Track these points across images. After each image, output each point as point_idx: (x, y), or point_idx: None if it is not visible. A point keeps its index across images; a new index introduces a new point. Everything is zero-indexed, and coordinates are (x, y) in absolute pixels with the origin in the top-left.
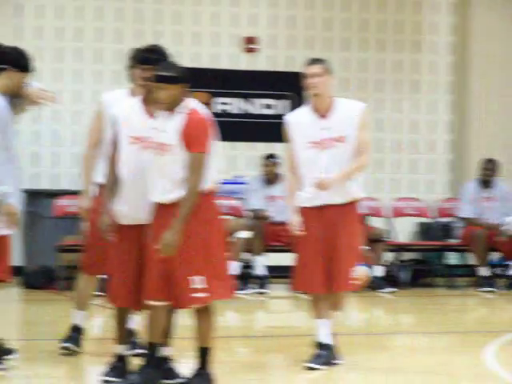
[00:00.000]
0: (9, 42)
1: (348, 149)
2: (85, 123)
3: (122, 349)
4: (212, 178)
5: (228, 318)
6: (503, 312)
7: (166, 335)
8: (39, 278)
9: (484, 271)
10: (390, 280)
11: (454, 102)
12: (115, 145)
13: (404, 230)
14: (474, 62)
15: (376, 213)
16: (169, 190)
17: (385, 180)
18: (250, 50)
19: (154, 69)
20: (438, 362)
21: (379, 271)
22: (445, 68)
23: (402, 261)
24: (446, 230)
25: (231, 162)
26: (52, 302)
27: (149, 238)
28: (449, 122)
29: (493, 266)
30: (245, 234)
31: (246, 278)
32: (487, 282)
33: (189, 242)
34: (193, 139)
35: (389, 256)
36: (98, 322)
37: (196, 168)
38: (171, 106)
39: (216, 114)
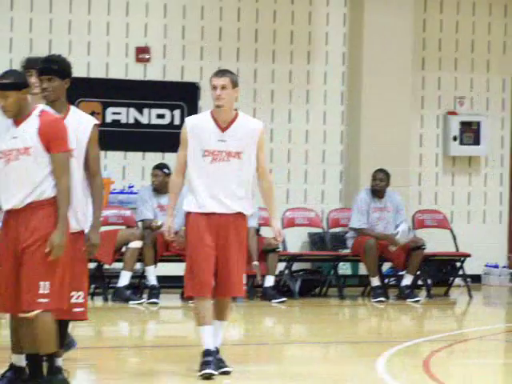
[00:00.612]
0: None
1: (241, 165)
2: None
3: (15, 358)
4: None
5: (120, 327)
6: (395, 322)
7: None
8: None
9: (375, 281)
10: (281, 290)
11: (344, 112)
12: None
13: (296, 241)
14: (365, 72)
15: (268, 223)
16: (27, 194)
17: (276, 190)
18: (142, 60)
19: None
20: (331, 371)
21: (271, 281)
22: (336, 78)
23: (293, 271)
24: (337, 240)
25: (123, 172)
26: None
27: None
28: (339, 132)
29: (385, 276)
30: (136, 244)
31: (137, 287)
32: (379, 292)
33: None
34: (52, 140)
35: (281, 266)
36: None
37: (61, 168)
38: (17, 113)
39: (107, 124)
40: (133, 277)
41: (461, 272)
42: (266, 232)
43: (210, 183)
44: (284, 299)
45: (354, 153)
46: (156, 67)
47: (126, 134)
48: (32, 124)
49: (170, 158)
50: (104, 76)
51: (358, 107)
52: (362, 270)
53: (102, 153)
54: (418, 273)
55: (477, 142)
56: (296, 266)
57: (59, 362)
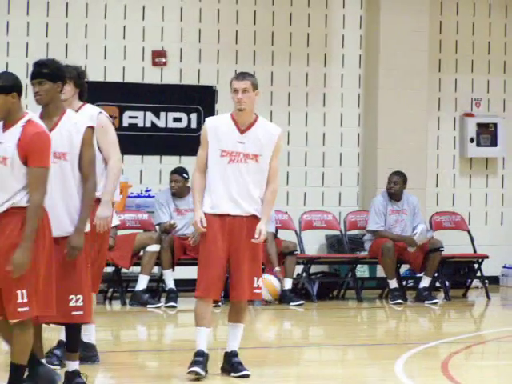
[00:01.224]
0: None
1: (257, 168)
2: None
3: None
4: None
5: (138, 331)
6: (412, 324)
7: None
8: None
9: (393, 283)
10: (299, 293)
11: (361, 115)
12: None
13: (313, 243)
14: (382, 74)
15: (285, 226)
16: (4, 200)
17: (293, 193)
18: (159, 64)
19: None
20: (348, 374)
21: (288, 284)
22: (352, 80)
23: (311, 274)
24: (355, 243)
25: (140, 176)
26: None
27: None
28: (356, 135)
29: (402, 278)
30: (154, 248)
31: (155, 291)
32: (397, 294)
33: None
34: (30, 154)
35: (298, 269)
36: None
37: (36, 183)
38: (5, 116)
39: (124, 128)
40: (150, 280)
41: (478, 274)
42: (283, 235)
43: (226, 183)
44: (302, 302)
45: (371, 155)
46: (172, 71)
47: (142, 137)
48: (15, 134)
49: (187, 162)
50: (121, 80)
51: (374, 109)
52: (380, 272)
53: None
54: (436, 275)
55: (494, 143)
56: (314, 269)
57: (75, 365)
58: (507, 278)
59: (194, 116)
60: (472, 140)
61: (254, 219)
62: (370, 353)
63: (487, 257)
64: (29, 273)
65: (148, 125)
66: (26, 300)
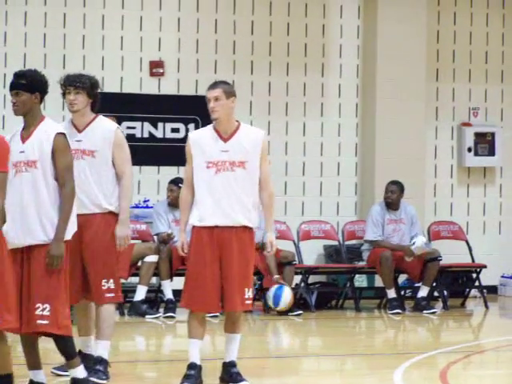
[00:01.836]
0: None
1: (245, 174)
2: None
3: (31, 374)
4: None
5: (136, 342)
6: (411, 334)
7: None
8: None
9: (392, 293)
10: (297, 303)
11: (359, 124)
12: None
13: (311, 253)
14: (379, 84)
15: (283, 236)
16: None
17: (291, 203)
18: (156, 74)
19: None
20: None
21: None
22: (350, 90)
23: (309, 284)
24: (353, 253)
25: (138, 186)
26: None
27: None
28: (354, 144)
29: (400, 288)
30: (152, 258)
31: (154, 302)
32: (395, 304)
33: None
34: None
35: (297, 279)
36: None
37: None
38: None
39: None
40: (149, 291)
41: (477, 283)
42: (281, 245)
43: (215, 195)
44: (300, 312)
45: (368, 165)
46: (170, 81)
47: (140, 148)
48: None
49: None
50: (118, 90)
51: (372, 119)
52: (378, 282)
53: None
54: (434, 284)
55: (491, 152)
56: (312, 279)
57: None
58: (505, 287)
59: (191, 126)
60: (470, 149)
61: (245, 229)
62: (369, 363)
63: (485, 266)
64: None
65: (146, 135)
66: None
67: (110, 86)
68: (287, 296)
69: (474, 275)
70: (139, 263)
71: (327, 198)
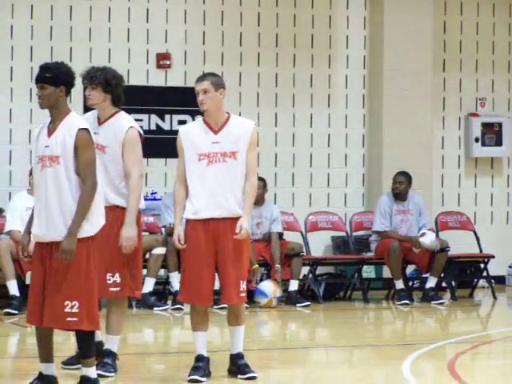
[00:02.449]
0: None
1: (237, 165)
2: None
3: (43, 367)
4: None
5: (144, 334)
6: (419, 325)
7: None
8: None
9: (400, 284)
10: (305, 294)
11: (366, 115)
12: None
13: (319, 244)
14: (386, 75)
15: (291, 227)
16: None
17: (299, 194)
18: (163, 66)
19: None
20: (356, 375)
21: (295, 285)
22: (357, 81)
23: (317, 275)
24: (361, 244)
25: (145, 179)
26: None
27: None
28: (361, 135)
29: (408, 278)
30: (160, 251)
31: (162, 294)
32: (403, 294)
33: None
34: None
35: (304, 270)
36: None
37: None
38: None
39: None
40: (157, 283)
41: (485, 273)
42: (289, 236)
43: (208, 187)
44: (308, 303)
45: (376, 156)
46: (177, 73)
47: (147, 140)
48: None
49: None
50: (125, 83)
51: (379, 110)
52: (386, 272)
53: None
54: (442, 275)
55: (499, 143)
56: (320, 270)
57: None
58: None
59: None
60: (477, 140)
61: (238, 220)
62: (377, 354)
63: (493, 256)
64: None
65: (153, 127)
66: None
67: None
68: (268, 288)
69: (482, 265)
70: (147, 255)
71: (335, 190)
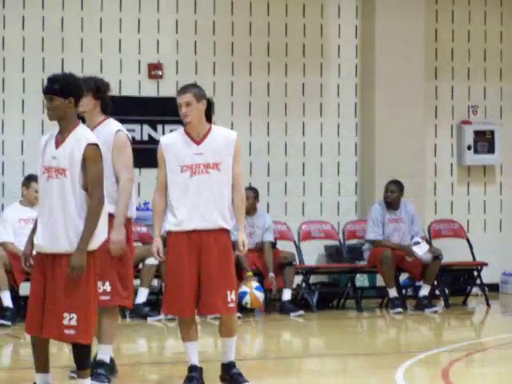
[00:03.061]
0: None
1: (220, 176)
2: None
3: (38, 377)
4: None
5: (138, 344)
6: (413, 333)
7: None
8: None
9: (393, 292)
10: (299, 303)
11: (358, 124)
12: None
13: (312, 253)
14: (378, 83)
15: (284, 236)
16: None
17: (291, 203)
18: (155, 77)
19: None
20: None
21: (288, 295)
22: (349, 90)
23: (310, 284)
24: (354, 253)
25: (138, 189)
26: None
27: None
28: (354, 144)
29: (402, 287)
30: (153, 261)
31: (155, 304)
32: (396, 303)
33: None
34: None
35: (298, 279)
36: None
37: None
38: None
39: None
40: (150, 293)
41: (478, 281)
42: (282, 245)
43: (191, 199)
44: (302, 312)
45: (368, 164)
46: (169, 83)
47: (140, 150)
48: None
49: None
50: (117, 93)
51: (371, 119)
52: (380, 281)
53: None
54: (436, 283)
55: (491, 150)
56: (313, 279)
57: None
58: (506, 285)
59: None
60: (469, 147)
61: (222, 232)
62: (371, 362)
63: (486, 264)
64: None
65: (145, 138)
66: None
67: None
68: (243, 288)
69: (476, 273)
70: (140, 266)
71: (327, 198)
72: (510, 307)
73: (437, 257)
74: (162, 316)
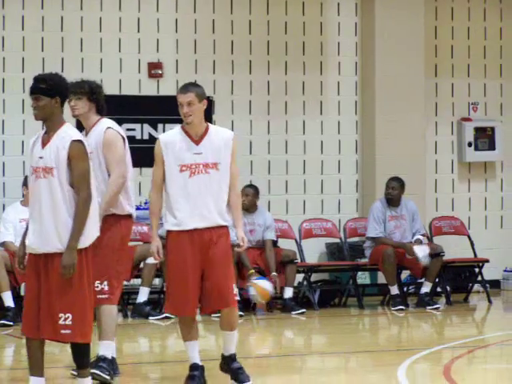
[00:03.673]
0: None
1: (219, 176)
2: None
3: (32, 381)
4: None
5: (140, 343)
6: (415, 330)
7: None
8: None
9: (395, 290)
10: (300, 301)
11: (358, 122)
12: None
13: (313, 251)
14: (378, 81)
15: (285, 235)
16: None
17: (292, 201)
18: (155, 76)
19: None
20: (352, 381)
21: (290, 293)
22: (349, 87)
23: (312, 282)
24: (355, 250)
25: (139, 188)
26: None
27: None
28: (354, 142)
29: (403, 284)
30: (154, 260)
31: (157, 303)
32: (398, 300)
33: None
34: None
35: (299, 277)
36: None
37: None
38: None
39: None
40: (152, 292)
41: (479, 278)
42: (283, 243)
43: (190, 198)
44: (303, 310)
45: (369, 162)
46: (169, 82)
47: (140, 149)
48: None
49: None
50: (117, 93)
51: (371, 116)
52: (381, 278)
53: None
54: (437, 280)
55: (492, 147)
56: (314, 277)
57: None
58: (508, 281)
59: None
60: (470, 144)
61: (222, 228)
62: (373, 359)
63: (488, 261)
64: None
65: (146, 137)
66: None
67: (108, 88)
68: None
69: (477, 270)
70: (141, 265)
71: (328, 196)
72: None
73: (438, 254)
74: (163, 315)
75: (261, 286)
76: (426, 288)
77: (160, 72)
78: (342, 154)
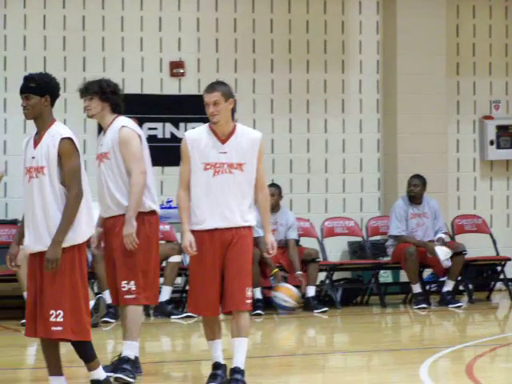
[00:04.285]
0: None
1: (243, 177)
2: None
3: (51, 381)
4: None
5: (162, 342)
6: (437, 328)
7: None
8: None
9: (417, 288)
10: (323, 300)
11: (380, 120)
12: None
13: (335, 250)
14: (400, 79)
15: (307, 233)
16: None
17: (314, 200)
18: (177, 75)
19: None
20: (374, 380)
21: (312, 291)
22: (371, 86)
23: (334, 280)
24: (377, 249)
25: (161, 187)
26: None
27: None
28: (376, 140)
29: (425, 282)
30: (176, 259)
31: (179, 302)
32: (420, 298)
33: None
34: None
35: (321, 276)
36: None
37: None
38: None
39: None
40: (174, 291)
41: (502, 276)
42: (305, 242)
43: (213, 197)
44: (326, 309)
45: (391, 160)
46: (190, 81)
47: (162, 148)
48: None
49: None
50: (139, 92)
51: (393, 114)
52: (403, 277)
53: None
54: (459, 278)
55: None
56: (336, 276)
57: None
58: None
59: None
60: (492, 142)
61: (244, 229)
62: (395, 358)
63: (510, 259)
64: None
65: (167, 136)
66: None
67: (130, 87)
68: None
69: (499, 268)
70: (163, 264)
71: (350, 195)
72: None
73: (460, 252)
74: (185, 314)
75: (286, 287)
76: (448, 286)
77: (182, 71)
78: (364, 152)
